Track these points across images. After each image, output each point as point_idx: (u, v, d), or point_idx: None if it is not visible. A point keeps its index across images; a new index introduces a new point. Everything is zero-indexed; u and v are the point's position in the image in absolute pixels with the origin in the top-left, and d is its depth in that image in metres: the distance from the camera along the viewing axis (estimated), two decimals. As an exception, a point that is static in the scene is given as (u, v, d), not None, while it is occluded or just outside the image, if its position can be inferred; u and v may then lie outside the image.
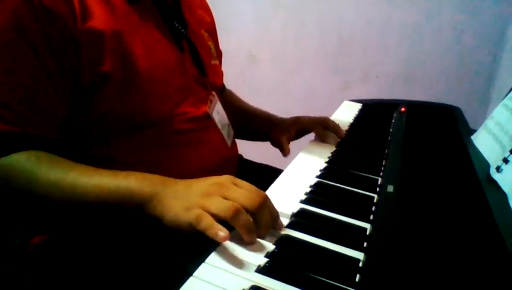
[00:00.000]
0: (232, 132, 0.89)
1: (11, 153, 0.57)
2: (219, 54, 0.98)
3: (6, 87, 0.57)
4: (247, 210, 0.51)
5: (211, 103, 0.81)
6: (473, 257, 0.52)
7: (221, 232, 0.47)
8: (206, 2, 0.98)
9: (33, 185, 0.57)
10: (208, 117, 0.79)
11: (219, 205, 0.50)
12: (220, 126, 0.81)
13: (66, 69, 0.60)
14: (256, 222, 0.51)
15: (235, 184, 0.54)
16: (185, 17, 0.81)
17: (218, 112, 0.82)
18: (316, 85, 2.00)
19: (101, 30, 0.61)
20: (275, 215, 0.55)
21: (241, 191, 0.53)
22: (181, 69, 0.75)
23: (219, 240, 0.48)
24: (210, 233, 0.48)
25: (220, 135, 0.81)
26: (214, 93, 0.83)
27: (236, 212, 0.50)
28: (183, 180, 0.57)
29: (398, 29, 1.82)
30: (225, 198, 0.52)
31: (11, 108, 0.57)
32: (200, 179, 0.57)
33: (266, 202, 0.54)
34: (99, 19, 0.61)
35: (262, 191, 0.55)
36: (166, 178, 0.58)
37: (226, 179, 0.55)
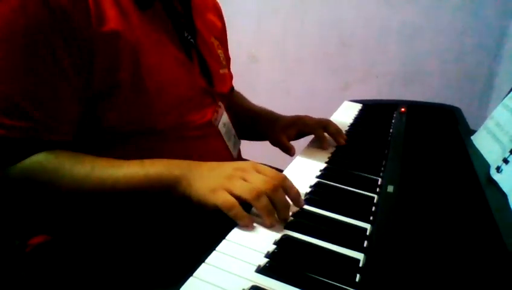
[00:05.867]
0: (238, 142, 0.87)
1: (29, 156, 0.57)
2: (228, 60, 0.95)
3: (25, 91, 0.56)
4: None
5: (217, 114, 0.79)
6: (473, 257, 0.52)
7: (250, 222, 0.55)
8: (218, 5, 0.94)
9: (58, 182, 0.58)
10: (212, 125, 0.77)
11: (241, 187, 0.55)
12: (226, 138, 0.80)
13: (81, 73, 0.59)
14: (273, 203, 0.56)
15: (257, 170, 0.59)
16: (196, 24, 0.78)
17: (224, 124, 0.81)
18: (316, 85, 1.99)
19: (116, 36, 0.60)
20: (293, 195, 0.60)
21: (260, 176, 0.57)
22: (189, 79, 0.73)
23: (245, 227, 0.54)
24: (241, 223, 0.54)
25: (224, 144, 0.80)
26: (220, 104, 0.81)
27: (258, 195, 0.54)
28: (207, 163, 0.61)
29: (398, 29, 1.82)
30: (245, 181, 0.56)
31: (29, 115, 0.56)
32: (223, 163, 0.62)
33: (284, 183, 0.58)
34: (114, 24, 0.60)
35: (281, 174, 0.59)
36: (191, 161, 0.62)
37: (248, 164, 0.60)
